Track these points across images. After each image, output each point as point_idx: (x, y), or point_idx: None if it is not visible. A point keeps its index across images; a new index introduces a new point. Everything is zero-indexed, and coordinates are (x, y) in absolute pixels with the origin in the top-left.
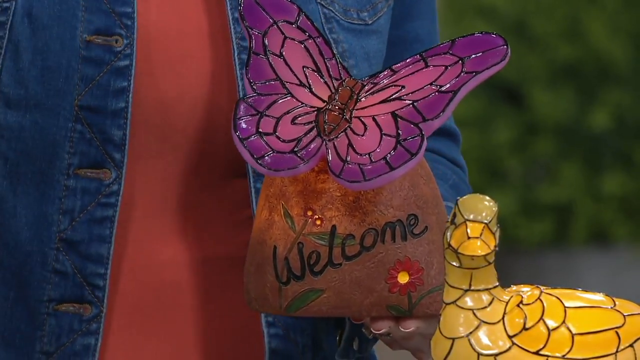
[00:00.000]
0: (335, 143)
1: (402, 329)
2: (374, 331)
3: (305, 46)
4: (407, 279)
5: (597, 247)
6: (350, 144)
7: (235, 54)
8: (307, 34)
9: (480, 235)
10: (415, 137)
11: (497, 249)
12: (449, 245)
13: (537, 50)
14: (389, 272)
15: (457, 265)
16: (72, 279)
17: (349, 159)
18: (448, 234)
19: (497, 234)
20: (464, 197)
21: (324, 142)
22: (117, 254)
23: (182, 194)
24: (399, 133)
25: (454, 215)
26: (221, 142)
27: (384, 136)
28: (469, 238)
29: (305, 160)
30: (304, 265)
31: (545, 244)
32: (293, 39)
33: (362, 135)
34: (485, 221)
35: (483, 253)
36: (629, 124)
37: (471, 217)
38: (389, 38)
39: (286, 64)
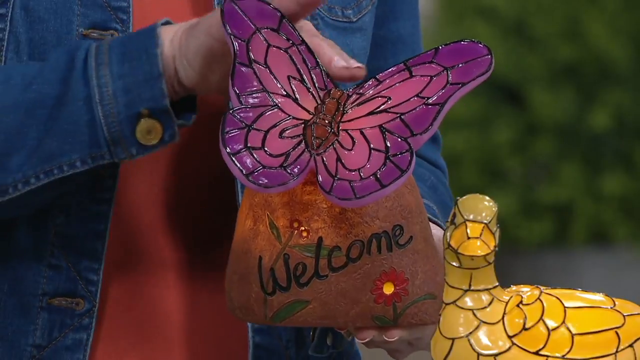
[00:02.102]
0: (324, 157)
1: (387, 339)
2: (358, 340)
3: (289, 54)
4: (392, 289)
5: (597, 247)
6: (339, 159)
7: None
8: (290, 41)
9: (480, 235)
10: (405, 152)
11: (497, 249)
12: (449, 245)
13: (537, 51)
14: (375, 283)
15: (457, 265)
16: (66, 273)
17: (338, 175)
18: (448, 234)
19: (497, 234)
20: (464, 197)
21: (312, 157)
22: (112, 249)
23: (168, 194)
24: (388, 148)
25: (454, 216)
26: (207, 139)
27: (372, 151)
28: (468, 238)
29: (295, 176)
30: (290, 276)
31: (545, 244)
32: (277, 47)
33: (351, 150)
34: (485, 221)
35: (483, 253)
36: (629, 124)
37: (471, 217)
38: (372, 38)
39: (271, 73)
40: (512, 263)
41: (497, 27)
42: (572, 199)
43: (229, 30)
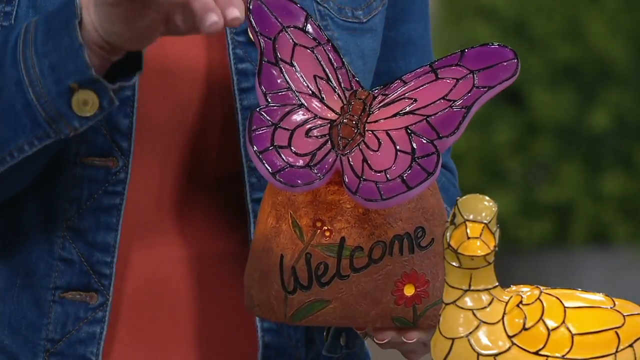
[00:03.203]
0: (350, 158)
1: (406, 340)
2: (376, 341)
3: (315, 54)
4: (413, 291)
5: (597, 248)
6: (365, 160)
7: (230, 49)
8: (317, 40)
9: (480, 235)
10: (431, 154)
11: (496, 249)
12: (449, 245)
13: (537, 51)
14: (396, 284)
15: (457, 265)
16: (79, 267)
17: (364, 175)
18: (448, 234)
19: (497, 234)
20: (464, 197)
21: (338, 157)
22: (123, 243)
23: (178, 190)
24: (414, 150)
25: (454, 216)
26: (216, 137)
27: (399, 152)
28: (468, 238)
29: (321, 176)
30: (312, 275)
31: (545, 244)
32: (303, 46)
33: (377, 151)
34: (485, 221)
35: (483, 253)
36: (629, 124)
37: (471, 217)
38: (382, 39)
39: (297, 72)
40: (512, 263)
41: (497, 27)
42: (572, 199)
43: (256, 28)
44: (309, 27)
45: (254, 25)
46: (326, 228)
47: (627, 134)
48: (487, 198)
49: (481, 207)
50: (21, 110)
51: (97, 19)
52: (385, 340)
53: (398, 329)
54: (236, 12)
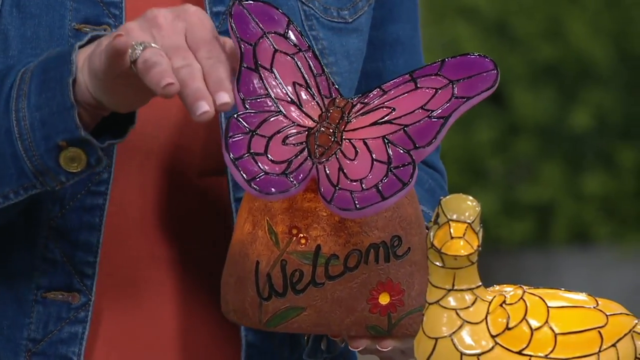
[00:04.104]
0: (326, 167)
1: (380, 348)
2: (351, 348)
3: (295, 60)
4: (388, 300)
5: (578, 247)
6: (341, 168)
7: None
8: (297, 47)
9: (463, 235)
10: (407, 165)
11: (480, 248)
12: (432, 245)
13: (518, 51)
14: (371, 293)
15: (440, 265)
16: (62, 267)
17: (339, 184)
18: (431, 233)
19: (480, 234)
20: (447, 197)
21: (315, 165)
22: (106, 243)
23: (160, 190)
24: (391, 160)
25: (437, 215)
26: (199, 137)
27: (375, 162)
28: (452, 238)
29: (296, 184)
30: (287, 282)
31: (526, 243)
32: (283, 53)
33: (353, 160)
34: (468, 221)
35: (466, 253)
36: (610, 123)
37: (454, 217)
38: (369, 39)
39: (277, 79)
40: (493, 263)
41: (478, 27)
42: (553, 198)
43: (237, 34)
44: (290, 33)
45: (235, 30)
46: (302, 235)
47: (608, 133)
48: (470, 198)
49: (464, 206)
50: (9, 159)
51: (89, 83)
52: (360, 348)
53: (373, 337)
54: (226, 98)
